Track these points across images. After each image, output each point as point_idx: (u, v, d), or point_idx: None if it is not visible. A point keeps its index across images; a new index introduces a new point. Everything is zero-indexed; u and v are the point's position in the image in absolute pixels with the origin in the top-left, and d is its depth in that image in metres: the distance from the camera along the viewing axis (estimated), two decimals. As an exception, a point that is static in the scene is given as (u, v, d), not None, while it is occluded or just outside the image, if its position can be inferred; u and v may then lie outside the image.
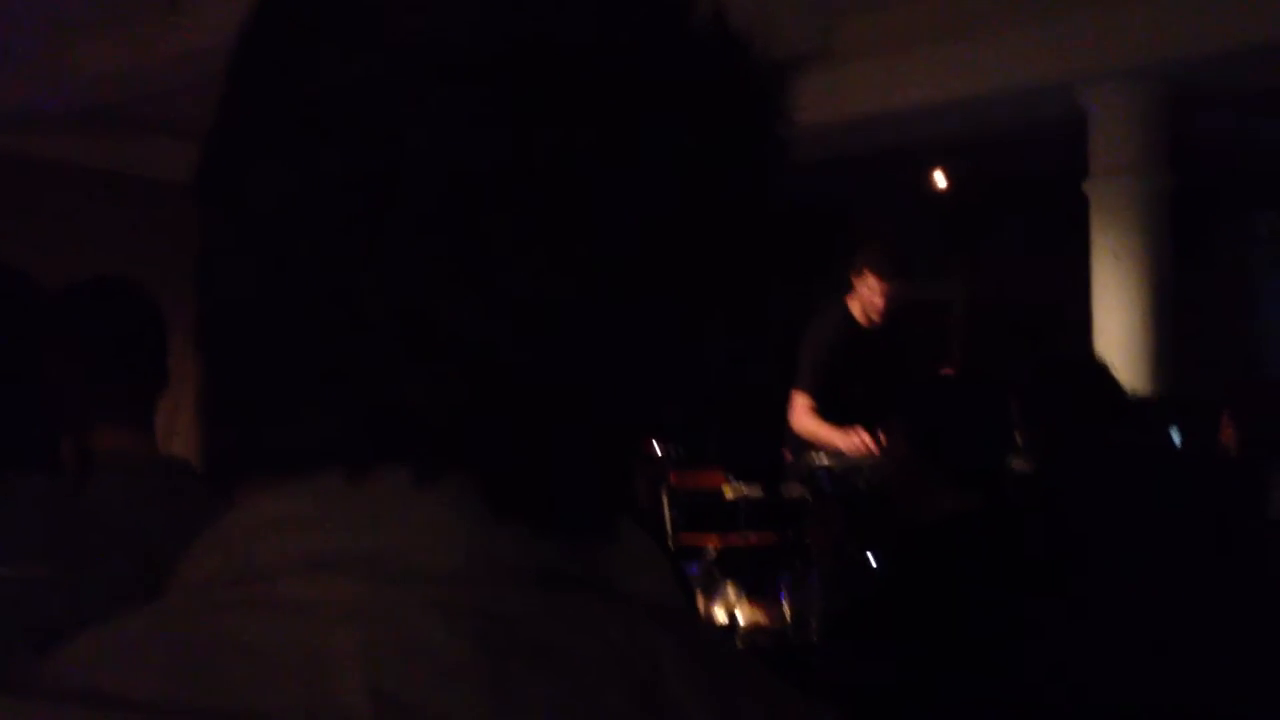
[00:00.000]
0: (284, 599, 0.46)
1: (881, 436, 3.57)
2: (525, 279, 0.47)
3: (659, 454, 4.98)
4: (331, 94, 0.48)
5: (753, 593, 3.85)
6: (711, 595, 3.75)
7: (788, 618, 3.46)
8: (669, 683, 0.48)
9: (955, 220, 8.86)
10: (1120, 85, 6.24)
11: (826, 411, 4.81)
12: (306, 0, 0.51)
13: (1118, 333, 6.30)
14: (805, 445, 4.82)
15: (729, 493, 5.77)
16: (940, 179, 8.56)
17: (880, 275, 4.66)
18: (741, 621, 3.61)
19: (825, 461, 4.69)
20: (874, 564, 3.37)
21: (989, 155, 7.75)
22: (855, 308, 4.84)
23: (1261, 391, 6.29)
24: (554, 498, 0.49)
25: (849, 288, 4.88)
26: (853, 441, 4.66)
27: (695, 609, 2.92)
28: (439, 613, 0.46)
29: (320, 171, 0.48)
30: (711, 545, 5.62)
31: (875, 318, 4.74)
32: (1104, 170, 6.43)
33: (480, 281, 0.47)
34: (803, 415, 4.83)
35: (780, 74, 0.53)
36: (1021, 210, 8.51)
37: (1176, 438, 5.38)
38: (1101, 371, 3.13)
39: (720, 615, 3.60)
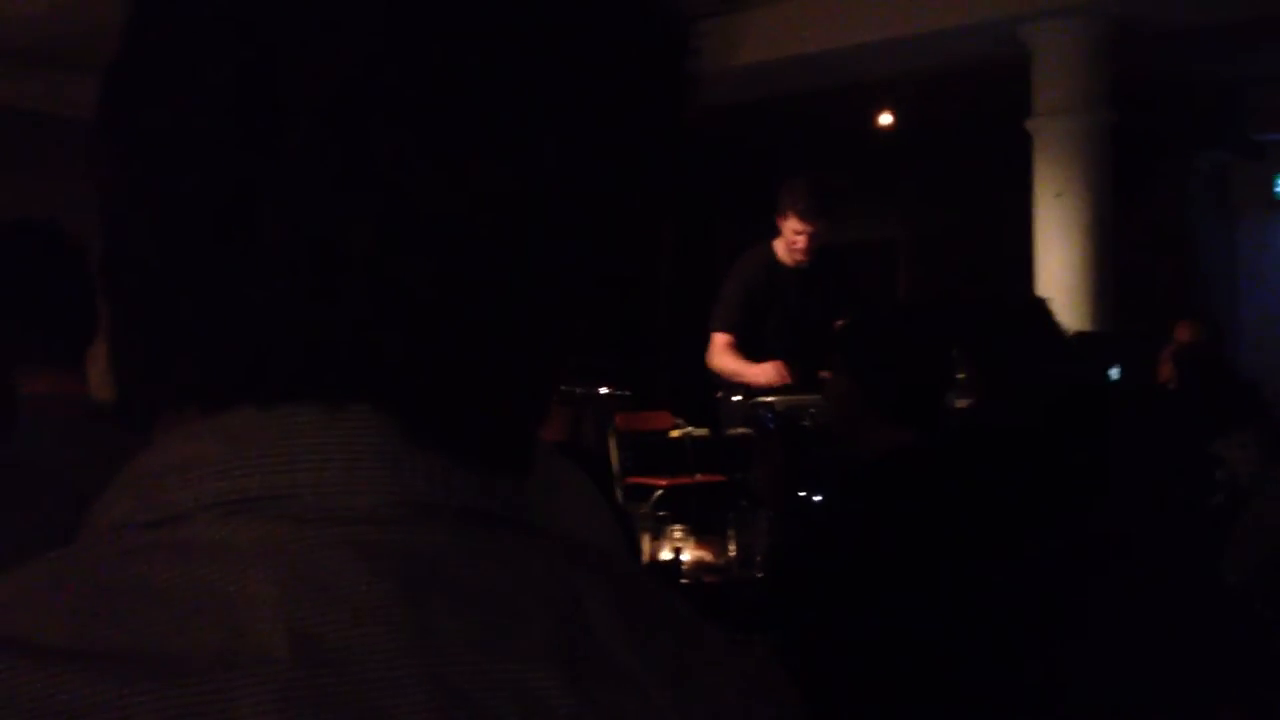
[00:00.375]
0: (197, 541, 0.45)
1: (823, 374, 3.59)
2: (418, 194, 0.46)
3: (605, 396, 5.00)
4: (218, 15, 0.47)
5: (699, 532, 3.88)
6: (658, 535, 3.78)
7: (732, 555, 3.49)
8: (590, 619, 0.48)
9: (899, 160, 8.88)
10: (1062, 23, 6.26)
11: (750, 351, 4.82)
12: None
13: (1059, 270, 6.37)
14: (730, 384, 4.84)
15: (675, 433, 5.81)
16: (885, 118, 8.56)
17: (801, 216, 4.64)
18: (687, 560, 3.64)
19: (738, 397, 4.71)
20: (818, 501, 3.40)
21: (933, 94, 7.76)
22: (780, 248, 4.84)
23: (1202, 328, 6.39)
24: (467, 427, 0.49)
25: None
26: (767, 375, 4.68)
27: (632, 547, 2.94)
28: (357, 552, 0.45)
29: (209, 95, 0.46)
30: (658, 486, 5.67)
31: (800, 257, 4.73)
32: (1046, 108, 6.46)
33: (374, 198, 0.46)
34: (718, 353, 4.85)
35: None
36: (965, 149, 8.54)
37: (1116, 374, 5.46)
38: (1042, 308, 3.16)
39: (666, 554, 3.63)
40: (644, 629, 0.49)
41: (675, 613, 0.52)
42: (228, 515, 0.46)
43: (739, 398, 4.52)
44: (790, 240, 4.70)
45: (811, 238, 4.66)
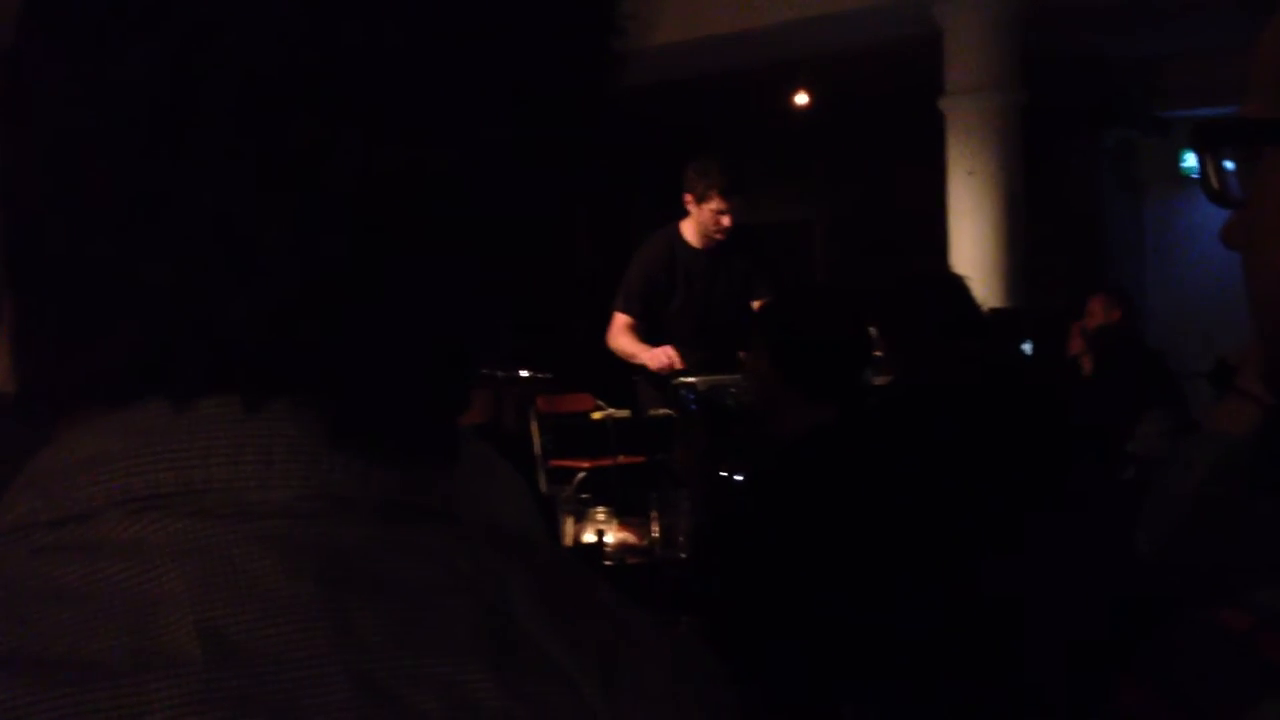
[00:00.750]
0: (105, 539, 0.44)
1: (742, 354, 3.61)
2: (334, 182, 0.45)
3: (526, 378, 4.98)
4: (125, 3, 0.45)
5: (623, 514, 3.88)
6: (581, 518, 3.77)
7: (655, 536, 3.50)
8: (515, 610, 0.47)
9: (815, 140, 8.94)
10: (973, 2, 6.34)
11: (652, 333, 4.85)
12: None
13: (972, 247, 6.46)
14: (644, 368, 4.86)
15: (597, 415, 5.80)
16: (799, 98, 8.61)
17: (722, 194, 4.68)
18: (610, 542, 3.64)
19: (691, 379, 4.72)
20: (739, 481, 3.42)
21: (847, 74, 7.82)
22: (689, 230, 4.86)
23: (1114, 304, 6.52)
24: (389, 419, 0.48)
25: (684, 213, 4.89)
26: (658, 360, 4.72)
27: (553, 532, 2.94)
28: (272, 548, 0.44)
29: (121, 77, 0.45)
30: (581, 468, 5.67)
31: (719, 236, 4.77)
32: (958, 88, 6.55)
33: (289, 187, 0.44)
34: (616, 333, 4.89)
35: None
36: (879, 128, 8.62)
37: (1029, 348, 5.56)
38: (957, 285, 3.20)
39: (589, 537, 3.63)
40: (569, 617, 0.49)
41: (599, 599, 0.52)
42: (137, 512, 0.44)
43: (690, 380, 4.54)
44: (714, 220, 4.73)
45: (733, 213, 4.71)
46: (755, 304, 4.69)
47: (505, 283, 0.51)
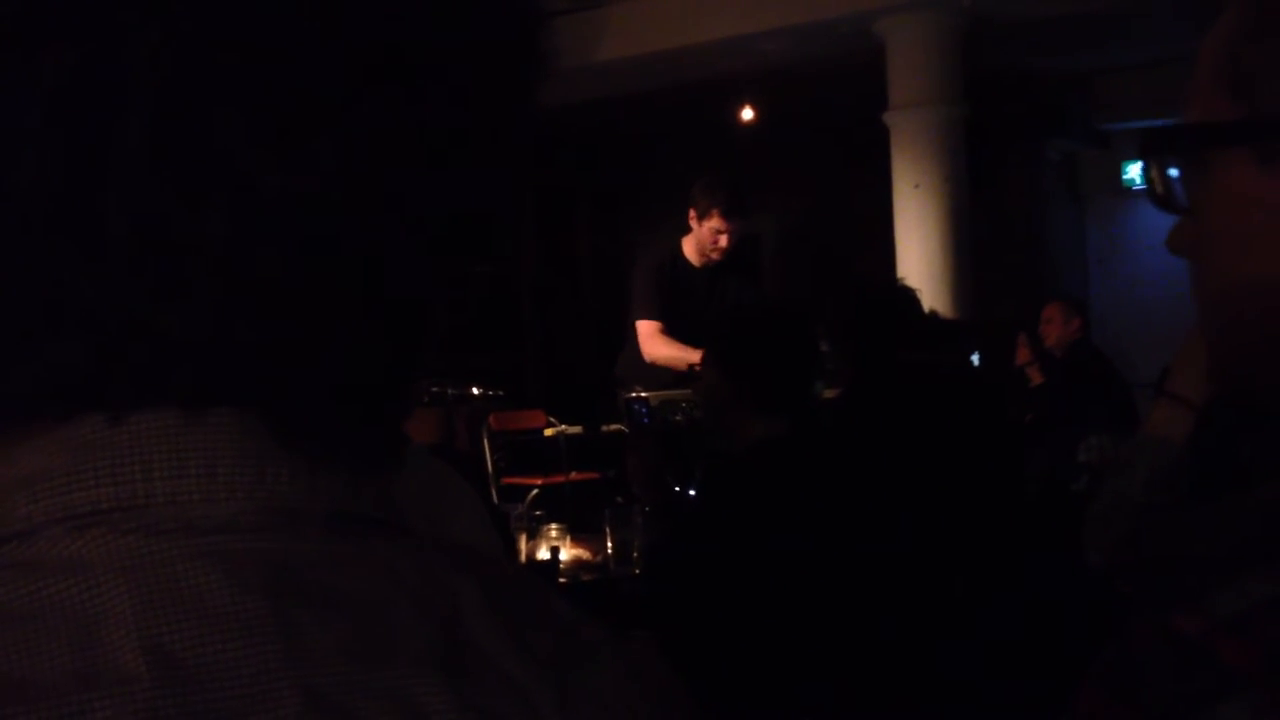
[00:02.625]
0: (45, 558, 0.43)
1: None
2: (265, 182, 0.44)
3: (478, 396, 4.96)
4: (41, 9, 0.44)
5: (576, 530, 3.87)
6: (534, 534, 3.76)
7: (609, 552, 3.49)
8: (468, 623, 0.47)
9: (761, 154, 8.98)
10: (915, 17, 6.41)
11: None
12: None
13: (918, 260, 6.52)
14: (631, 381, 4.81)
15: (549, 432, 5.79)
16: (745, 113, 8.65)
17: (724, 214, 4.70)
18: (565, 558, 3.63)
19: (643, 394, 4.72)
20: (692, 495, 3.42)
21: (792, 88, 7.87)
22: (689, 246, 4.87)
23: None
24: (332, 426, 0.47)
25: (686, 227, 4.88)
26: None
27: (506, 547, 2.92)
28: (217, 563, 0.43)
29: (36, 82, 0.44)
30: (534, 485, 5.65)
31: (716, 256, 4.78)
32: (901, 102, 6.61)
33: (218, 187, 0.44)
34: (653, 343, 4.78)
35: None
36: (825, 142, 8.67)
37: (976, 360, 5.61)
38: (905, 297, 3.23)
39: (544, 553, 3.61)
40: (523, 630, 0.48)
41: (554, 612, 0.51)
42: (78, 530, 0.43)
43: (642, 395, 4.50)
44: (712, 239, 4.75)
45: (732, 235, 4.72)
46: None
47: (441, 284, 0.50)
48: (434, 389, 4.90)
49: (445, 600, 0.47)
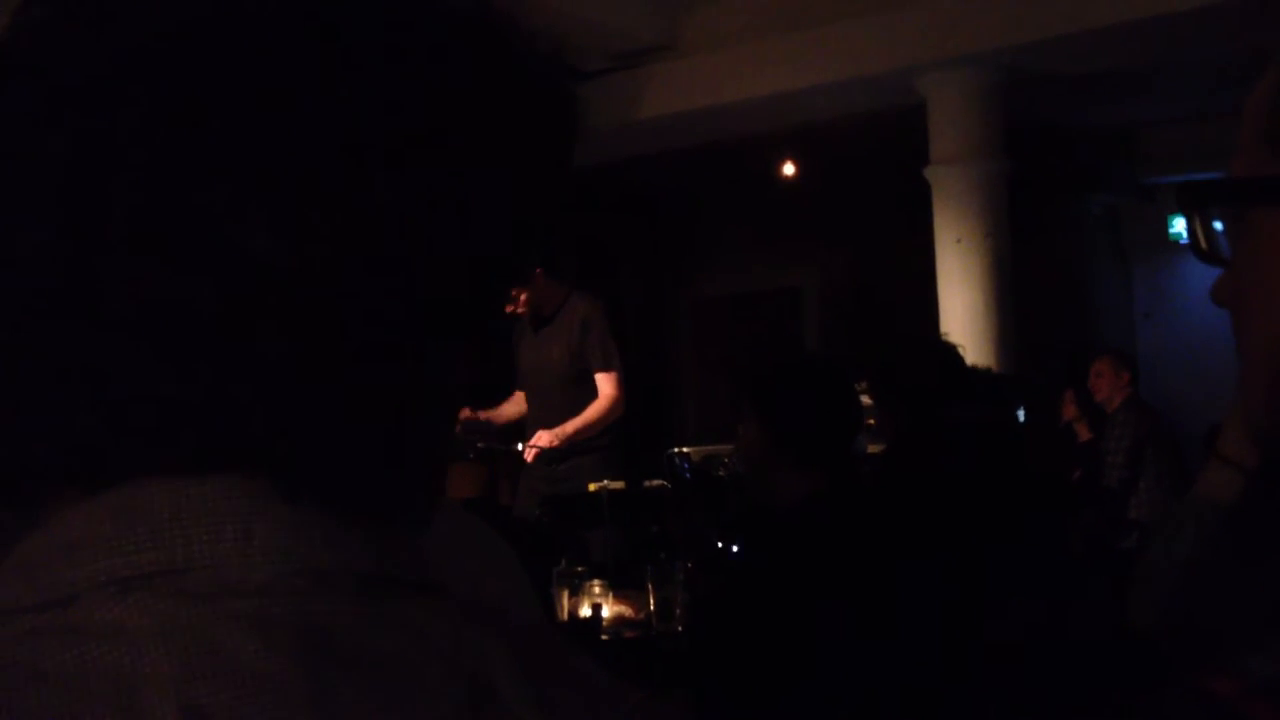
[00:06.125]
0: (89, 623, 0.44)
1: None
2: (256, 248, 0.45)
3: (520, 451, 4.97)
4: (37, 95, 0.46)
5: (618, 586, 3.85)
6: (576, 591, 3.74)
7: (652, 609, 3.47)
8: (496, 684, 0.47)
9: (803, 209, 9.00)
10: (955, 73, 6.42)
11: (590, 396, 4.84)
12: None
13: (962, 314, 6.49)
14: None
15: (591, 485, 5.79)
16: (787, 167, 8.68)
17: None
18: (607, 615, 3.61)
19: (685, 449, 4.72)
20: (735, 551, 3.40)
21: (834, 143, 7.90)
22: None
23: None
24: (352, 488, 0.48)
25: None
26: None
27: (546, 604, 2.91)
28: (253, 628, 0.44)
29: (38, 161, 0.46)
30: (576, 540, 5.63)
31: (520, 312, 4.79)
32: (943, 157, 6.61)
33: (212, 256, 0.45)
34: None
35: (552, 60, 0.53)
36: (867, 197, 8.69)
37: (1022, 415, 5.57)
38: (950, 352, 3.22)
39: (585, 610, 3.60)
40: (552, 692, 0.49)
41: (585, 673, 0.52)
42: (120, 594, 0.45)
43: (685, 450, 4.51)
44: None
45: (530, 295, 4.69)
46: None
47: (454, 346, 0.51)
48: (479, 445, 4.93)
49: (474, 662, 0.48)
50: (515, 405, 4.91)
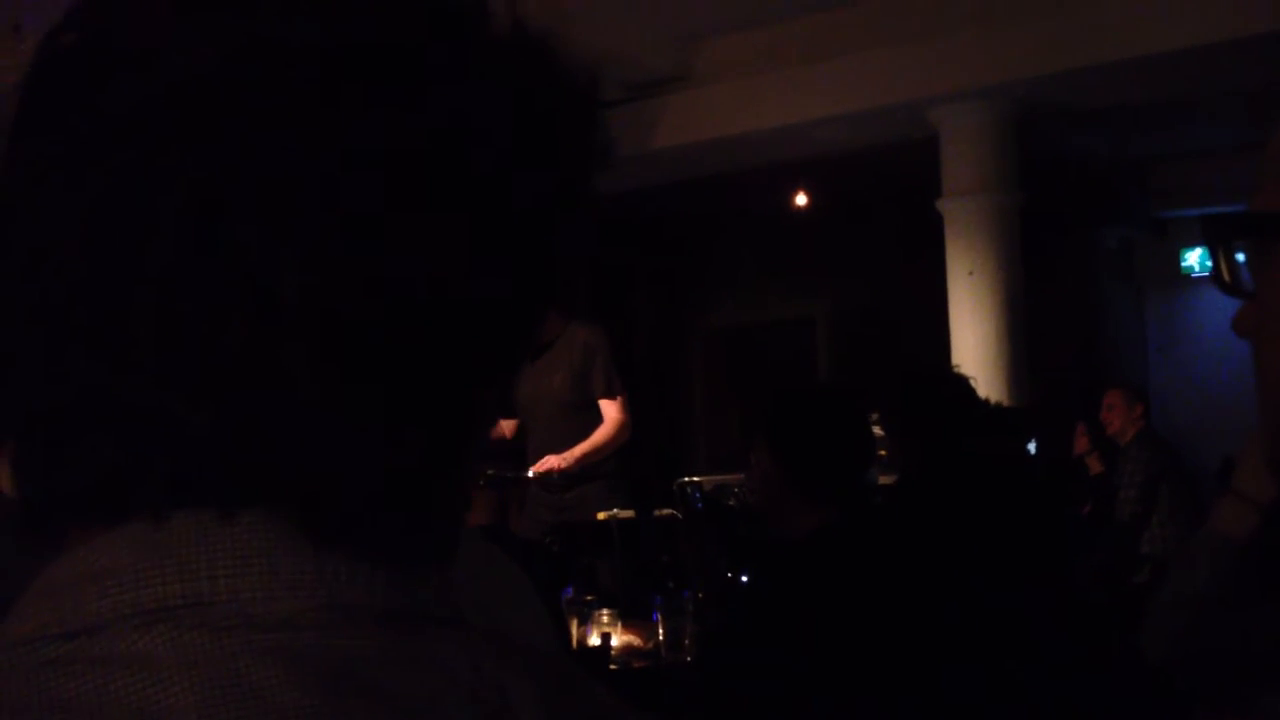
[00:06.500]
0: (114, 653, 0.44)
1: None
2: (289, 289, 0.46)
3: (531, 479, 4.97)
4: (75, 140, 0.47)
5: (627, 615, 3.84)
6: (585, 620, 3.73)
7: (661, 639, 3.46)
8: (517, 715, 0.48)
9: (816, 239, 9.02)
10: (969, 105, 6.43)
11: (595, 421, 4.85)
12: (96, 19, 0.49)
13: (974, 346, 6.48)
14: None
15: (601, 514, 5.78)
16: (799, 198, 8.70)
17: None
18: (616, 644, 3.60)
19: (696, 479, 4.71)
20: (745, 581, 3.39)
21: (847, 174, 7.91)
22: None
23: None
24: (378, 523, 0.48)
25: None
26: None
27: (560, 634, 2.90)
28: (277, 660, 0.45)
29: (76, 205, 0.46)
30: (585, 569, 5.61)
31: None
32: (955, 189, 6.62)
33: (243, 297, 0.46)
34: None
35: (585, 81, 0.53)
36: (880, 228, 8.70)
37: (1034, 447, 5.55)
38: (962, 384, 3.21)
39: (594, 639, 3.59)
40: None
41: (603, 705, 0.52)
42: (146, 626, 0.45)
43: (696, 480, 4.50)
44: None
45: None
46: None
47: (478, 382, 0.51)
48: (489, 472, 4.93)
49: (495, 696, 0.48)
50: (506, 430, 4.90)
